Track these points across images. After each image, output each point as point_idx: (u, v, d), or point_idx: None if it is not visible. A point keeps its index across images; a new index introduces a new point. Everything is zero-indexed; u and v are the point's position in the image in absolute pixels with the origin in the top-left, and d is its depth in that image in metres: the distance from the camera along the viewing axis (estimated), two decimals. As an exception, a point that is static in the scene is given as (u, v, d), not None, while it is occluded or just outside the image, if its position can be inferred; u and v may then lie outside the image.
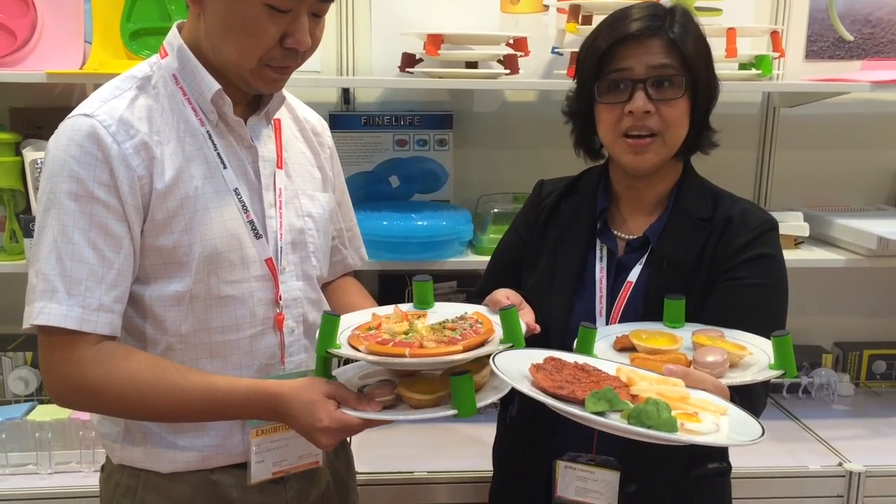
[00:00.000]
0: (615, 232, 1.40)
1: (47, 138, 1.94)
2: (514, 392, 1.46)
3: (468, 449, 1.96)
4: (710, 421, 1.04)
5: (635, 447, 1.23)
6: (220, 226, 1.19)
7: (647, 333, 1.26)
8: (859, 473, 1.94)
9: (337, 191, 1.44)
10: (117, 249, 1.14)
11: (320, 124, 1.43)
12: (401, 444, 1.99)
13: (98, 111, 1.14)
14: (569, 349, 1.27)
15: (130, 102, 1.17)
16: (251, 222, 1.22)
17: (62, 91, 2.13)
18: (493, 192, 2.25)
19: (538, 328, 1.24)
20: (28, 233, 1.85)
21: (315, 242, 1.32)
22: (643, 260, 1.36)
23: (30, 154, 1.87)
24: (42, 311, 1.11)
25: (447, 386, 1.12)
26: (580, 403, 1.04)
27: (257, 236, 1.23)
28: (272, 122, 1.30)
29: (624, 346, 1.26)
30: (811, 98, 2.24)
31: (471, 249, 2.08)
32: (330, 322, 1.13)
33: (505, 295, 1.26)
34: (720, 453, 1.41)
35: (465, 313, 1.23)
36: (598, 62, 1.31)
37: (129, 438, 1.24)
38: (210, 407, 1.16)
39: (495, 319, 1.20)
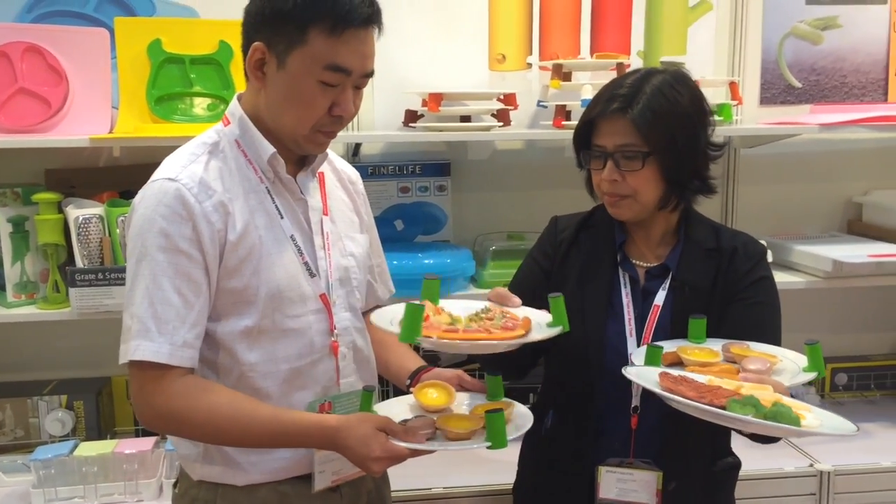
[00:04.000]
0: (634, 261, 1.58)
1: (80, 196, 2.15)
2: (547, 407, 1.62)
3: (484, 466, 2.10)
4: (812, 416, 1.20)
5: (671, 450, 1.47)
6: (281, 268, 1.37)
7: (689, 349, 1.43)
8: (829, 472, 2.13)
9: (373, 230, 1.63)
10: (197, 294, 1.31)
11: (355, 175, 1.61)
12: (417, 462, 2.14)
13: (181, 175, 1.32)
14: (607, 368, 1.47)
15: (205, 165, 1.35)
16: (306, 263, 1.40)
17: (90, 153, 2.30)
18: (489, 231, 2.44)
19: None
20: (72, 283, 2.01)
21: (358, 278, 1.50)
22: (666, 286, 1.54)
23: (72, 212, 2.03)
24: (138, 348, 1.27)
25: (478, 422, 1.32)
26: (719, 408, 1.20)
27: (312, 275, 1.41)
28: (317, 175, 1.48)
29: (671, 362, 1.41)
30: (767, 140, 2.47)
31: (473, 284, 2.27)
32: (415, 311, 1.25)
33: (497, 292, 1.45)
34: (729, 450, 1.62)
35: (485, 307, 1.41)
36: (582, 135, 1.54)
37: (209, 458, 1.40)
38: (278, 438, 1.32)
39: (517, 312, 1.39)
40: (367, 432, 1.27)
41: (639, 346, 1.50)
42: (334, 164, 1.57)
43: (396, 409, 1.43)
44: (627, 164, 1.48)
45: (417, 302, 1.30)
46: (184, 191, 1.30)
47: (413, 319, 1.25)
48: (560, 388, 1.61)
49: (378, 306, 1.69)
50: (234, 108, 1.41)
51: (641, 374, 1.33)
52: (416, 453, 1.28)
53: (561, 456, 1.59)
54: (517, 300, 1.44)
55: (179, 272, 1.29)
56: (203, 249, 1.31)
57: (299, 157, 1.45)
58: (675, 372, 1.33)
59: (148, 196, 1.32)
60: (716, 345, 1.46)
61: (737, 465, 1.64)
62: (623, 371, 1.32)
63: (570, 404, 1.57)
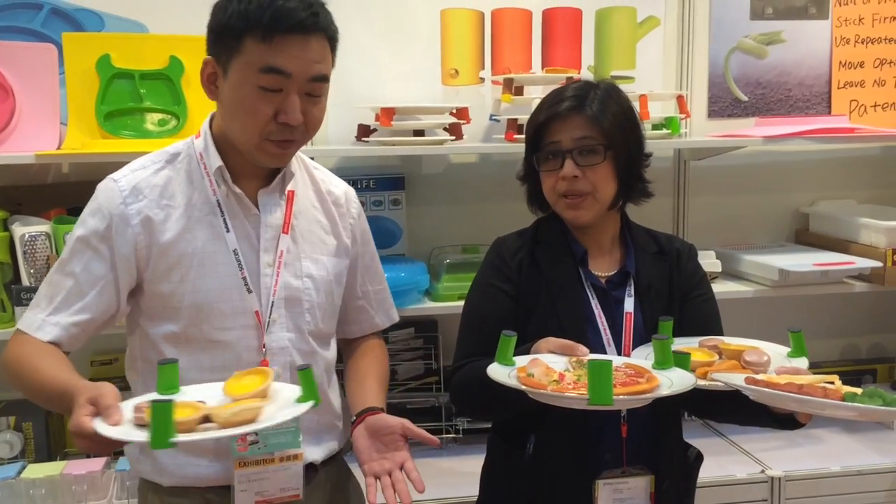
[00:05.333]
0: (594, 272, 1.57)
1: (27, 214, 2.11)
2: (526, 434, 1.56)
3: (446, 478, 2.13)
4: None
5: (659, 450, 1.52)
6: (214, 280, 1.39)
7: (686, 350, 1.42)
8: (780, 478, 2.18)
9: (366, 255, 1.61)
10: (92, 285, 1.38)
11: (344, 196, 1.58)
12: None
13: (124, 178, 1.41)
14: None
15: (154, 173, 1.42)
16: (244, 279, 1.41)
17: (38, 170, 2.26)
18: (444, 244, 2.45)
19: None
20: (18, 302, 1.99)
21: (311, 300, 1.47)
22: (631, 292, 1.55)
23: (18, 229, 2.00)
24: (24, 318, 1.41)
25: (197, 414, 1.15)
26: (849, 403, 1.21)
27: (249, 291, 1.41)
28: (286, 193, 1.46)
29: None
30: (715, 152, 2.52)
31: (427, 297, 2.28)
32: (604, 369, 1.21)
33: (562, 343, 1.40)
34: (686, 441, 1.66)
35: (576, 359, 1.37)
36: (535, 137, 1.55)
37: (142, 457, 1.44)
38: (48, 396, 1.29)
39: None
40: (79, 401, 1.14)
41: (619, 354, 1.51)
42: (320, 184, 1.55)
43: (206, 394, 1.26)
44: (587, 158, 1.49)
45: (596, 358, 1.26)
46: (116, 191, 1.39)
47: (604, 378, 1.21)
48: (542, 412, 1.42)
49: (374, 333, 1.67)
50: (206, 122, 1.46)
51: (731, 380, 1.31)
52: (105, 438, 1.10)
53: (552, 477, 1.53)
54: (584, 349, 1.39)
55: (82, 262, 1.39)
56: (113, 248, 1.38)
57: (269, 172, 1.45)
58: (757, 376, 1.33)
59: (96, 189, 1.43)
60: (691, 343, 1.50)
61: (701, 454, 1.66)
62: (714, 377, 1.33)
63: (560, 425, 1.50)
